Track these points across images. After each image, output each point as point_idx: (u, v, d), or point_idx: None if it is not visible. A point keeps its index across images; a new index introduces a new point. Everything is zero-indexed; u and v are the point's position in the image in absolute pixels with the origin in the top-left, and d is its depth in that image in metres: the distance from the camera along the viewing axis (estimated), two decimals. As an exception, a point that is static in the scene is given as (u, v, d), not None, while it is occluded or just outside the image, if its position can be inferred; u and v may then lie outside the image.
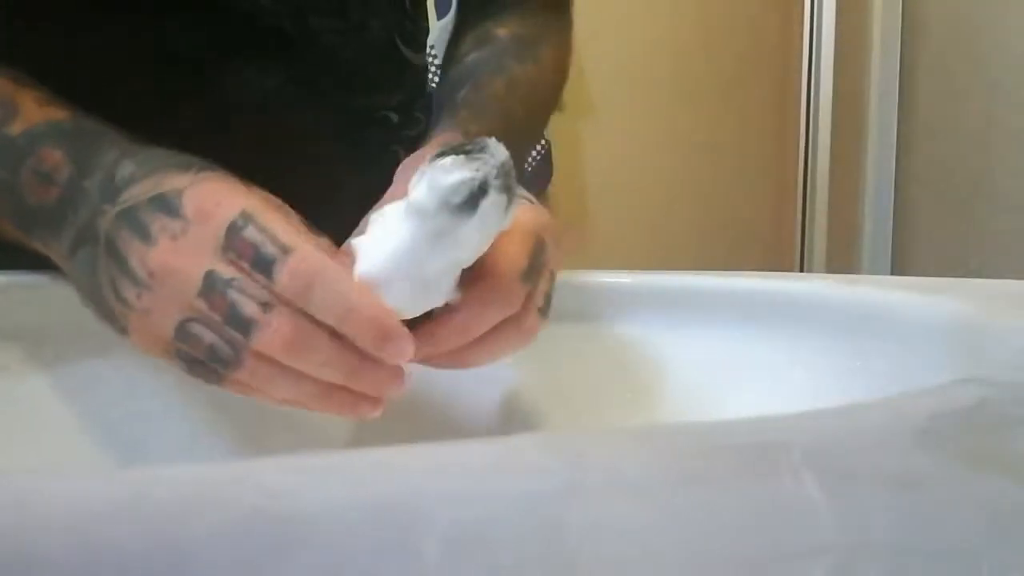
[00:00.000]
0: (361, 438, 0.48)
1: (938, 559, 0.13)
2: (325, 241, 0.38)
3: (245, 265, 0.34)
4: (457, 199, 0.34)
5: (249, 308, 0.34)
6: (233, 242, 0.34)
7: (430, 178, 0.34)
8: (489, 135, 0.49)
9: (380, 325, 0.34)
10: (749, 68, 2.24)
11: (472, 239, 0.35)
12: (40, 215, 0.41)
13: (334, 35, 0.59)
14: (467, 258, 0.36)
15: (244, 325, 0.34)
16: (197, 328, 0.35)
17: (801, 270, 2.15)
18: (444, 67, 0.62)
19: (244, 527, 0.12)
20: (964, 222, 1.84)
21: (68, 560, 0.11)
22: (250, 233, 0.34)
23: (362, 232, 0.38)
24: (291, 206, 0.38)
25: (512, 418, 0.51)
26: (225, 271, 0.35)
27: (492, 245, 0.36)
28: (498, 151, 0.34)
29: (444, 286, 0.36)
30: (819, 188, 2.09)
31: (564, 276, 0.46)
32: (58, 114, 0.42)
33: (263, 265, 0.34)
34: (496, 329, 0.39)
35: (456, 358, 0.39)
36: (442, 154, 0.34)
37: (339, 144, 0.60)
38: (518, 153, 0.54)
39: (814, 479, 0.14)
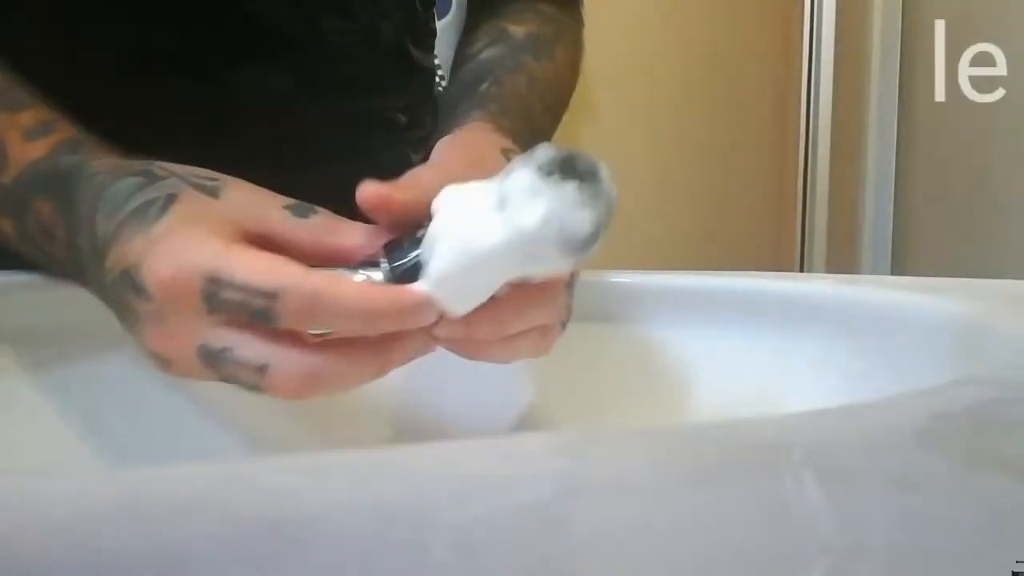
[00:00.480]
0: (372, 435, 0.48)
1: (938, 559, 0.13)
2: (317, 220, 0.37)
3: (244, 321, 0.34)
4: (579, 240, 0.32)
5: (245, 376, 0.34)
6: (219, 309, 0.33)
7: (552, 208, 0.32)
8: (515, 133, 0.47)
9: (397, 310, 0.33)
10: (749, 69, 2.24)
11: (561, 267, 0.34)
12: (62, 266, 0.41)
13: (343, 37, 0.59)
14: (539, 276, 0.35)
15: (252, 387, 0.34)
16: (226, 379, 0.35)
17: (801, 270, 2.15)
18: (455, 63, 0.61)
19: (245, 527, 0.12)
20: (964, 222, 1.84)
21: (68, 560, 0.11)
22: (229, 296, 0.33)
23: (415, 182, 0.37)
24: None
25: (510, 419, 0.50)
26: (216, 340, 0.34)
27: None
28: (611, 186, 0.33)
29: (496, 288, 0.35)
30: (819, 188, 2.09)
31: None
32: (37, 151, 0.41)
33: (260, 318, 0.33)
34: (526, 331, 0.38)
35: (478, 349, 0.38)
36: (555, 171, 0.33)
37: (346, 145, 0.61)
38: None
39: (814, 479, 0.14)
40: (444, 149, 0.45)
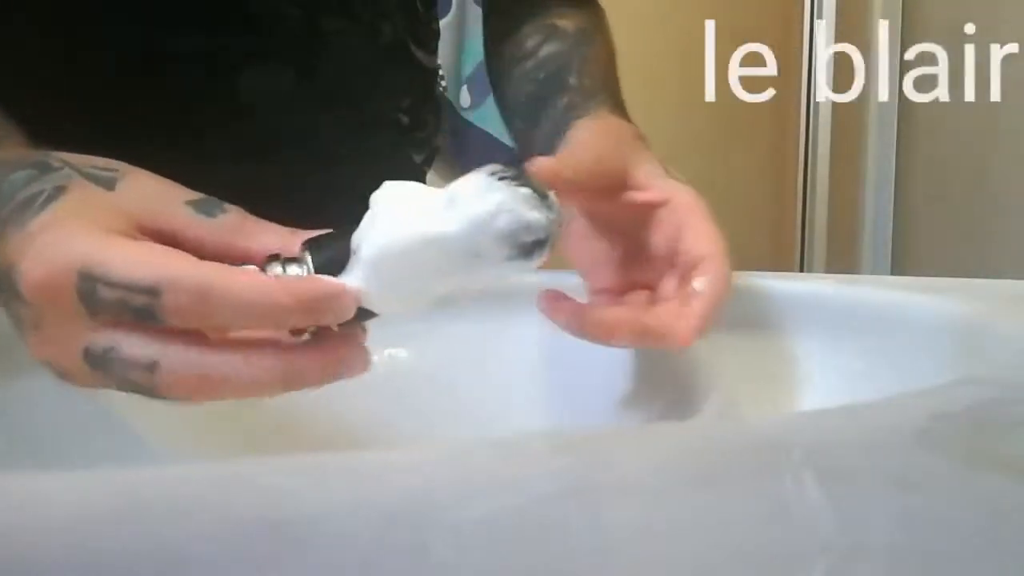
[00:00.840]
0: (358, 436, 0.48)
1: (938, 559, 0.13)
2: (225, 219, 0.33)
3: (128, 321, 0.30)
4: (530, 240, 0.31)
5: (135, 375, 0.30)
6: (98, 310, 0.30)
7: (505, 199, 0.31)
8: (624, 115, 0.51)
9: (299, 301, 0.30)
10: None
11: (494, 277, 0.32)
12: None
13: (345, 37, 0.59)
14: (462, 288, 0.33)
15: (143, 389, 0.31)
16: (117, 385, 0.32)
17: (801, 270, 2.15)
18: (501, 64, 0.63)
19: (244, 527, 0.12)
20: (964, 222, 1.84)
21: (68, 560, 0.11)
22: (106, 294, 0.30)
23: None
24: (300, 209, 0.36)
25: (510, 420, 0.50)
26: (98, 341, 0.31)
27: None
28: (560, 211, 0.33)
29: (436, 295, 0.33)
30: (819, 188, 2.09)
31: (565, 277, 0.46)
32: None
33: (144, 317, 0.30)
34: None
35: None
36: (507, 178, 0.32)
37: (347, 146, 0.61)
38: None
39: (814, 479, 0.14)
40: (583, 132, 0.47)
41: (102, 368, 0.31)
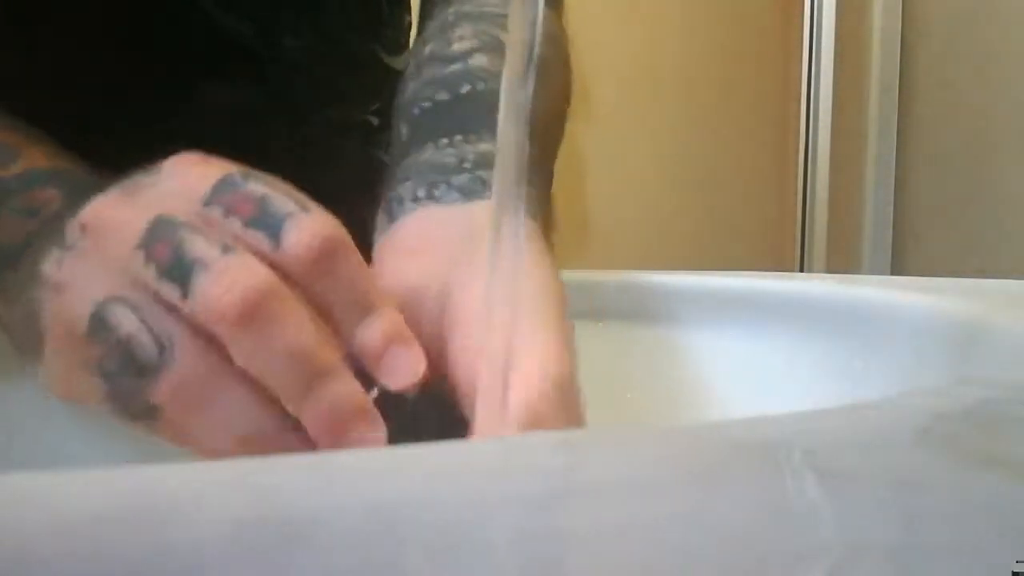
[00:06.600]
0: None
1: (938, 559, 0.13)
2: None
3: (236, 223, 0.25)
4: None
5: (199, 248, 0.24)
6: (224, 196, 0.26)
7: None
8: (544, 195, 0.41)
9: (394, 337, 0.27)
10: (749, 68, 2.24)
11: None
12: (7, 251, 0.33)
13: (311, 49, 0.59)
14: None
15: (185, 273, 0.24)
16: (119, 312, 0.25)
17: (801, 270, 2.15)
18: (424, 50, 0.49)
19: (244, 527, 0.12)
20: (964, 222, 1.84)
21: (63, 560, 0.11)
22: (254, 188, 0.26)
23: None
24: None
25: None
26: (187, 217, 0.25)
27: None
28: None
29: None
30: (819, 188, 2.09)
31: (566, 276, 0.45)
32: (65, 164, 0.36)
33: (268, 223, 0.25)
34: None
35: None
36: None
37: (317, 153, 0.60)
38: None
39: (814, 479, 0.14)
40: (410, 240, 0.36)
41: (160, 241, 0.25)
